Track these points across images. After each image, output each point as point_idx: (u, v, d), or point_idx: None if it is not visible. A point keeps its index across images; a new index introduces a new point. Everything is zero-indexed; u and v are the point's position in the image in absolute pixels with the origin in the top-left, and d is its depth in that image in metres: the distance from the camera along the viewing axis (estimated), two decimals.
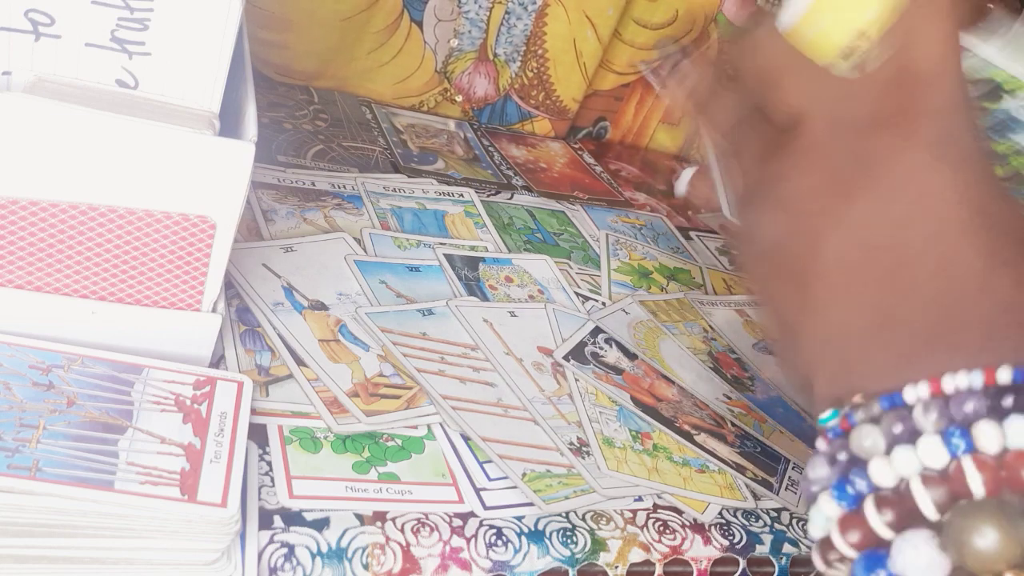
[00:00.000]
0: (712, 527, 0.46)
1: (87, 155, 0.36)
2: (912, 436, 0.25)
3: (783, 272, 0.32)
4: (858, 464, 0.26)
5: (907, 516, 0.25)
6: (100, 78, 0.37)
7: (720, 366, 0.60)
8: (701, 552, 0.45)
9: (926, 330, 0.28)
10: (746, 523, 0.47)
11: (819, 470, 0.28)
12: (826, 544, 0.27)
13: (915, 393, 0.26)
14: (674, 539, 0.44)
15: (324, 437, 0.43)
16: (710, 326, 0.65)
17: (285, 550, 0.37)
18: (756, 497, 0.49)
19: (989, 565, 0.23)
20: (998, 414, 0.24)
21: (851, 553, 0.26)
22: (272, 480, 0.39)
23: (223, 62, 0.38)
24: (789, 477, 0.52)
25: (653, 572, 0.43)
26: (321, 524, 0.38)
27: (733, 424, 0.55)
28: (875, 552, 0.25)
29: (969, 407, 0.25)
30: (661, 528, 0.45)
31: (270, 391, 0.44)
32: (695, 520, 0.46)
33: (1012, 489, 0.23)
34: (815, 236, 0.30)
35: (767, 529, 0.47)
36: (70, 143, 0.35)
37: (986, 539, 0.23)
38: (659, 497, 0.47)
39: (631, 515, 0.45)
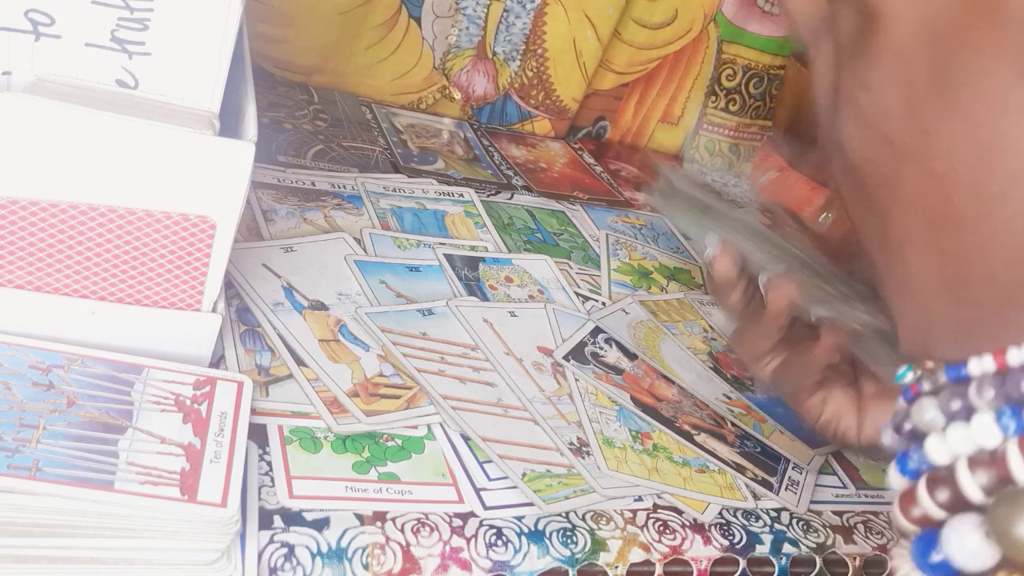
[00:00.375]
0: (712, 527, 0.46)
1: (87, 155, 0.36)
2: (968, 413, 0.24)
3: (865, 199, 0.29)
4: (919, 437, 0.25)
5: (961, 498, 0.24)
6: (100, 78, 0.37)
7: (720, 366, 0.60)
8: (701, 552, 0.45)
9: (1003, 291, 0.25)
10: (746, 523, 0.47)
11: (889, 436, 0.27)
12: (895, 516, 0.26)
13: (978, 366, 0.24)
14: (674, 539, 0.44)
15: (324, 437, 0.43)
16: (710, 326, 0.65)
17: (285, 550, 0.37)
18: (756, 497, 0.49)
19: None
20: None
21: (912, 529, 0.25)
22: (272, 480, 0.39)
23: (223, 62, 0.38)
24: (789, 477, 0.52)
25: (653, 572, 0.43)
26: (321, 524, 0.38)
27: (733, 424, 0.55)
28: (930, 534, 0.24)
29: None
30: (661, 528, 0.45)
31: (270, 391, 0.44)
32: (695, 520, 0.46)
33: None
34: (894, 166, 0.27)
35: (767, 529, 0.47)
36: (70, 143, 0.35)
37: None
38: (659, 497, 0.47)
39: (631, 515, 0.45)
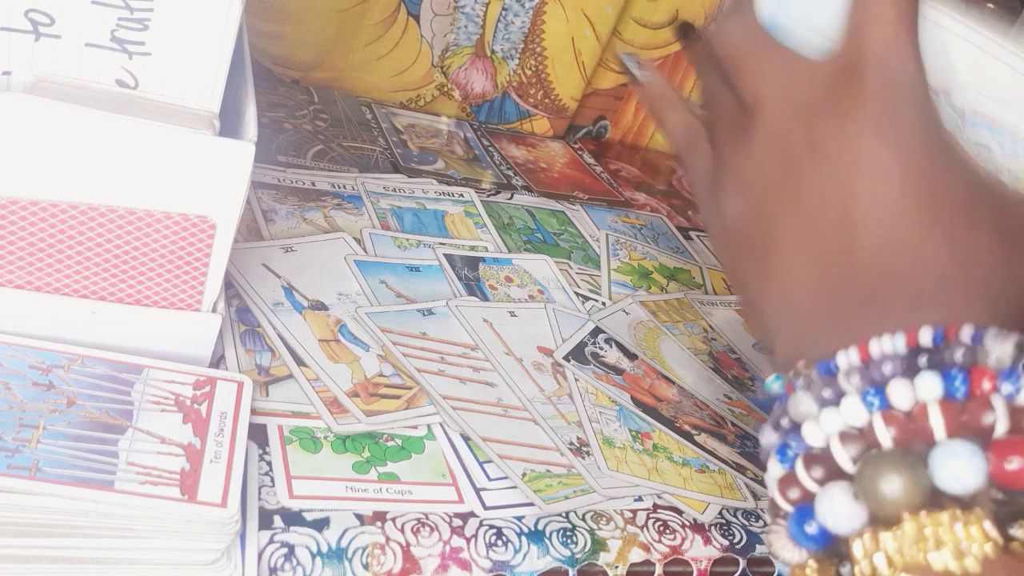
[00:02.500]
0: (712, 527, 0.46)
1: (87, 155, 0.36)
2: (838, 399, 0.27)
3: (745, 250, 0.34)
4: (796, 428, 0.28)
5: (833, 472, 0.26)
6: (100, 78, 0.37)
7: (720, 366, 0.60)
8: (701, 552, 0.45)
9: (861, 299, 0.30)
10: (746, 523, 0.47)
11: (768, 435, 0.30)
12: (773, 503, 0.28)
13: (846, 358, 0.28)
14: (674, 539, 0.44)
15: (324, 437, 0.43)
16: (710, 326, 0.65)
17: (285, 550, 0.37)
18: (756, 497, 0.49)
19: (895, 510, 0.24)
20: (912, 372, 0.26)
21: (789, 508, 0.27)
22: (272, 480, 0.39)
23: (223, 62, 0.38)
24: None
25: (653, 572, 0.43)
26: (321, 524, 0.38)
27: (733, 424, 0.55)
28: (806, 506, 0.27)
29: (887, 368, 0.26)
30: (661, 528, 0.45)
31: (270, 391, 0.44)
32: (695, 520, 0.46)
33: (920, 439, 0.25)
34: (772, 217, 0.33)
35: (767, 529, 0.47)
36: (70, 143, 0.35)
37: (891, 485, 0.24)
38: (659, 497, 0.47)
39: (631, 515, 0.45)
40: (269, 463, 0.40)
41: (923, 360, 0.26)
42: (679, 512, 0.46)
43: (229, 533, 0.34)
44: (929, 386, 0.25)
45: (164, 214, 0.37)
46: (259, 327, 0.48)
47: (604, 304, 0.62)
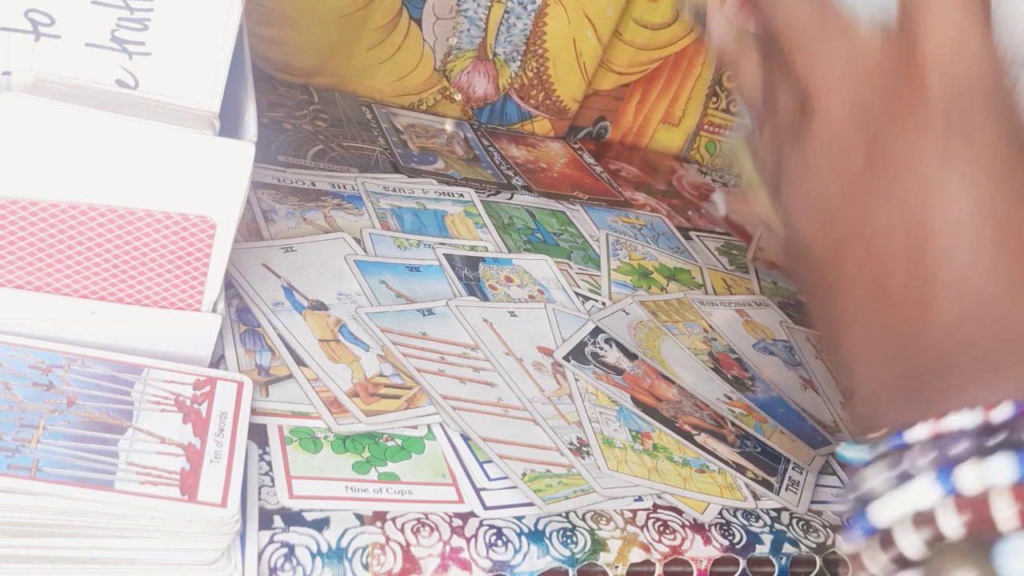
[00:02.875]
0: (712, 527, 0.46)
1: (87, 155, 0.36)
2: (908, 478, 0.25)
3: (815, 274, 0.31)
4: (868, 502, 0.27)
5: (902, 557, 0.25)
6: (100, 78, 0.37)
7: (720, 366, 0.60)
8: (701, 552, 0.45)
9: (936, 366, 0.27)
10: (746, 523, 0.47)
11: (843, 503, 0.28)
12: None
13: (919, 432, 0.26)
14: (674, 539, 0.44)
15: (324, 437, 0.43)
16: (710, 326, 0.65)
17: (285, 550, 0.37)
18: (756, 497, 0.49)
19: None
20: (983, 453, 0.24)
21: None
22: (272, 480, 0.39)
23: (223, 62, 0.38)
24: (789, 477, 0.52)
25: (653, 572, 0.43)
26: (321, 524, 0.38)
27: (733, 424, 0.55)
28: None
29: (960, 447, 0.24)
30: (661, 528, 0.45)
31: (270, 391, 0.44)
32: (695, 520, 0.46)
33: (991, 528, 0.23)
34: (838, 245, 0.29)
35: (767, 529, 0.47)
36: (70, 143, 0.35)
37: None
38: (659, 497, 0.47)
39: (631, 515, 0.45)
40: (269, 463, 0.40)
41: (998, 439, 0.24)
42: (679, 512, 0.46)
43: (229, 533, 0.34)
44: (1002, 469, 0.23)
45: (164, 214, 0.37)
46: (259, 327, 0.48)
47: (604, 304, 0.62)
